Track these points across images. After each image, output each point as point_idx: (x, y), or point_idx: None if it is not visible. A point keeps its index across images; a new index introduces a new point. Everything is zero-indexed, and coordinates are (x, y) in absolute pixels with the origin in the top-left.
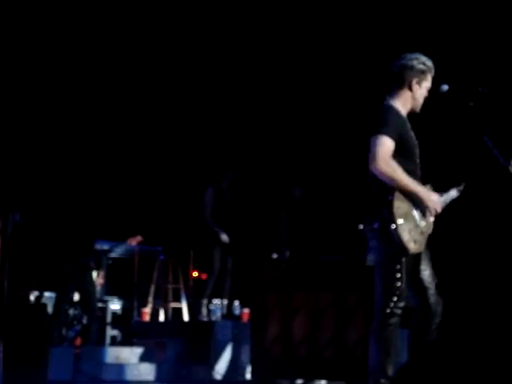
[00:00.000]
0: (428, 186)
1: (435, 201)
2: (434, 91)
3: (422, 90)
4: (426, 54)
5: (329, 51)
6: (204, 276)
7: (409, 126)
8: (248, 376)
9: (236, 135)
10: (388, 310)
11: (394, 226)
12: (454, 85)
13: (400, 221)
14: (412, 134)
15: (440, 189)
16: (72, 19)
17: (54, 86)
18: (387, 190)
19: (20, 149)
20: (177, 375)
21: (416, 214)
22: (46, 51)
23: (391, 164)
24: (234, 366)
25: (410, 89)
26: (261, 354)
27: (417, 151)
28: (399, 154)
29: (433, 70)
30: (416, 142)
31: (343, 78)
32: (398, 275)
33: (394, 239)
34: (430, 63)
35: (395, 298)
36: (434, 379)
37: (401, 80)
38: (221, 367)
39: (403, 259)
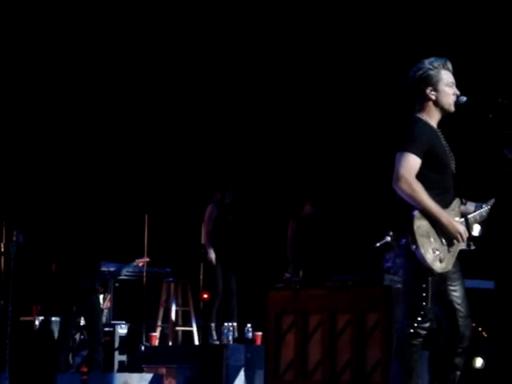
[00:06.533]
0: (457, 201)
1: (458, 228)
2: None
3: (442, 91)
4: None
5: (344, 66)
6: (207, 297)
7: (441, 137)
8: None
9: (241, 145)
10: (411, 330)
11: (414, 247)
12: (472, 96)
13: (422, 240)
14: (444, 144)
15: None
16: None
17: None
18: (409, 207)
19: (23, 168)
20: None
21: None
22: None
23: (413, 184)
24: None
25: (429, 99)
26: (275, 379)
27: (452, 163)
28: (432, 170)
29: (447, 64)
30: (450, 154)
31: (362, 89)
32: (424, 294)
33: (418, 259)
34: (438, 62)
35: (419, 318)
36: None
37: (416, 93)
38: None
39: (429, 278)
